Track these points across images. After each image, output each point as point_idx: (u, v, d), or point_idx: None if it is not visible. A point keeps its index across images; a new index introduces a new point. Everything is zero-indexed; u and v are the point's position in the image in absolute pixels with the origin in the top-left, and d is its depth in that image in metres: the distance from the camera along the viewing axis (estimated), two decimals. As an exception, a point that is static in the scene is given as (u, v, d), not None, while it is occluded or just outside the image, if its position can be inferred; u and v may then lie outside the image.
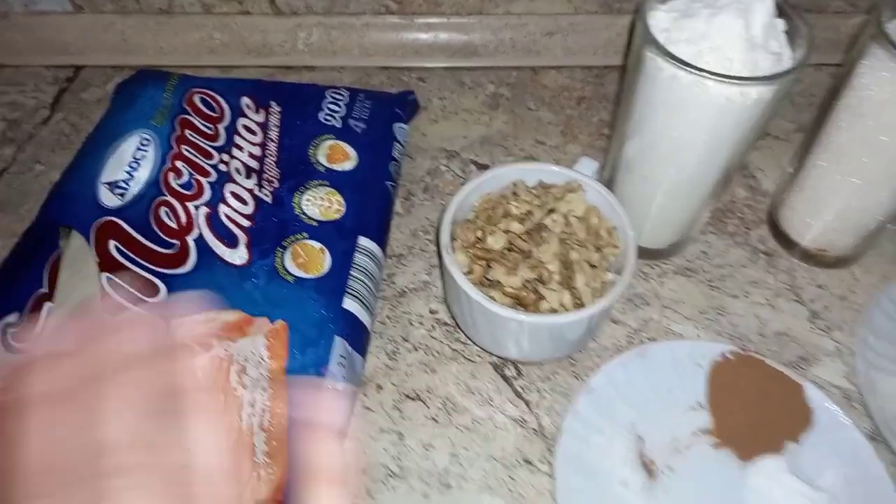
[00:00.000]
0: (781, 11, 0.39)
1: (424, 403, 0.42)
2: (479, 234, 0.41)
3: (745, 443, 0.40)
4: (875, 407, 0.41)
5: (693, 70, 0.36)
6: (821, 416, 0.40)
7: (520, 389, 0.43)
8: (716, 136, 0.39)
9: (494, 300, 0.39)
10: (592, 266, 0.41)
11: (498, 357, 0.44)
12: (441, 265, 0.42)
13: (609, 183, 0.48)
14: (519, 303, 0.39)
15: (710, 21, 0.37)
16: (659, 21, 0.40)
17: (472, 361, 0.44)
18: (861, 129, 0.41)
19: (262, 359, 0.36)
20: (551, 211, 0.41)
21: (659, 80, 0.38)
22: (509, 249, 0.40)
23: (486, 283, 0.40)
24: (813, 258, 0.50)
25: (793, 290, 0.49)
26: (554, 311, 0.39)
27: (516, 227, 0.40)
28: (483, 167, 0.55)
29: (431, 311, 0.46)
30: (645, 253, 0.50)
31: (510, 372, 0.43)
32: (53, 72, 0.61)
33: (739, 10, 0.37)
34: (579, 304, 0.39)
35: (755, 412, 0.41)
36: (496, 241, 0.40)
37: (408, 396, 0.42)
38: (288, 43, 0.62)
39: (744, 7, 0.37)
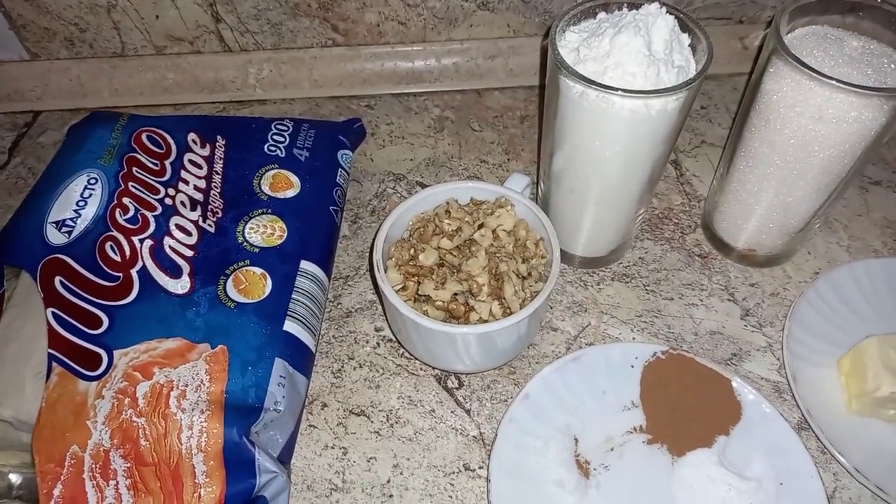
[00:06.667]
0: (685, 27, 0.42)
1: (368, 418, 0.43)
2: (412, 251, 0.42)
3: (677, 438, 0.41)
4: (801, 396, 0.43)
5: (597, 86, 0.38)
6: (749, 409, 0.42)
7: (461, 399, 0.44)
8: (629, 147, 0.41)
9: (427, 314, 0.40)
10: (522, 277, 0.42)
11: (441, 370, 0.45)
12: (375, 284, 0.44)
13: (544, 196, 0.50)
14: (451, 315, 0.41)
15: (613, 39, 0.39)
16: (570, 41, 0.42)
17: (416, 375, 0.45)
18: (770, 133, 0.44)
19: (203, 382, 0.37)
20: (480, 226, 0.43)
21: (570, 97, 0.40)
22: (440, 265, 0.42)
23: (421, 299, 0.42)
24: (746, 258, 0.52)
25: (727, 290, 0.50)
26: (484, 321, 0.40)
27: (446, 243, 0.42)
28: (428, 188, 0.57)
29: (377, 329, 0.48)
30: (585, 262, 0.52)
31: (452, 383, 0.45)
32: (12, 118, 0.63)
33: (639, 28, 0.39)
34: (509, 313, 0.40)
35: (686, 408, 0.42)
36: (427, 258, 0.42)
37: (352, 412, 0.43)
38: (239, 78, 0.65)
39: (644, 25, 0.40)
